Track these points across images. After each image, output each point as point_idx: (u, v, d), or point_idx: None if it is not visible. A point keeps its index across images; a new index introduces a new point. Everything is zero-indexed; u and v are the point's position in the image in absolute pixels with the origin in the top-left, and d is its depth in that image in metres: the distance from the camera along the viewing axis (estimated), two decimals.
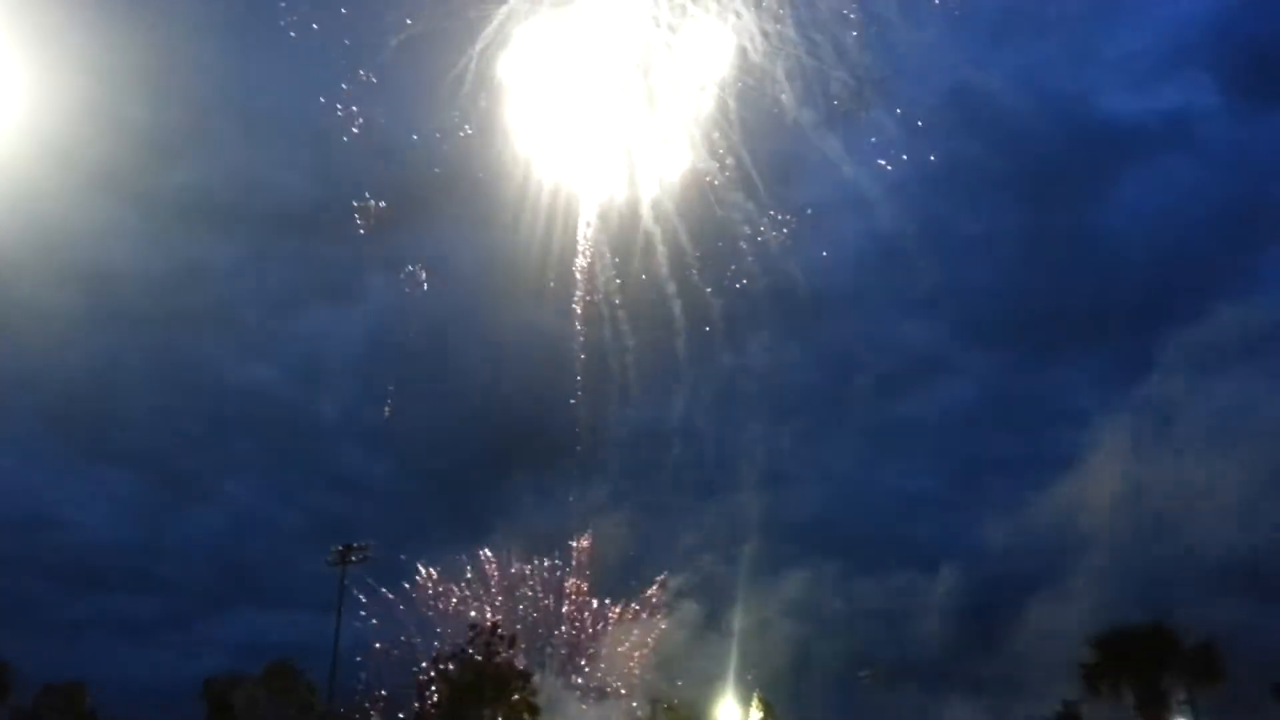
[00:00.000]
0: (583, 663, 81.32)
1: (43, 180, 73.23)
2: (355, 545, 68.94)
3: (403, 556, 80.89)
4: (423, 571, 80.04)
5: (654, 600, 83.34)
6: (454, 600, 79.79)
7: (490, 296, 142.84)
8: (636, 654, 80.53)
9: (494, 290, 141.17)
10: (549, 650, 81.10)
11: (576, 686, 79.24)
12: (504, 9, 52.24)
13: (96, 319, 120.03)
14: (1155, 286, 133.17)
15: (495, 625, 69.31)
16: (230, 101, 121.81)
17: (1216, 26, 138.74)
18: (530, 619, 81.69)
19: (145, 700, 78.64)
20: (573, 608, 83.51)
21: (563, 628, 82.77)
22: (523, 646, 71.17)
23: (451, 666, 66.00)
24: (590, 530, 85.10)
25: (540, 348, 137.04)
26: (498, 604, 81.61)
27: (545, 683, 74.69)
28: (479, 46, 53.34)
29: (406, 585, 79.88)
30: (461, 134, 56.36)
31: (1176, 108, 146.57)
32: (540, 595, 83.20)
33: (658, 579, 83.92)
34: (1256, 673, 63.50)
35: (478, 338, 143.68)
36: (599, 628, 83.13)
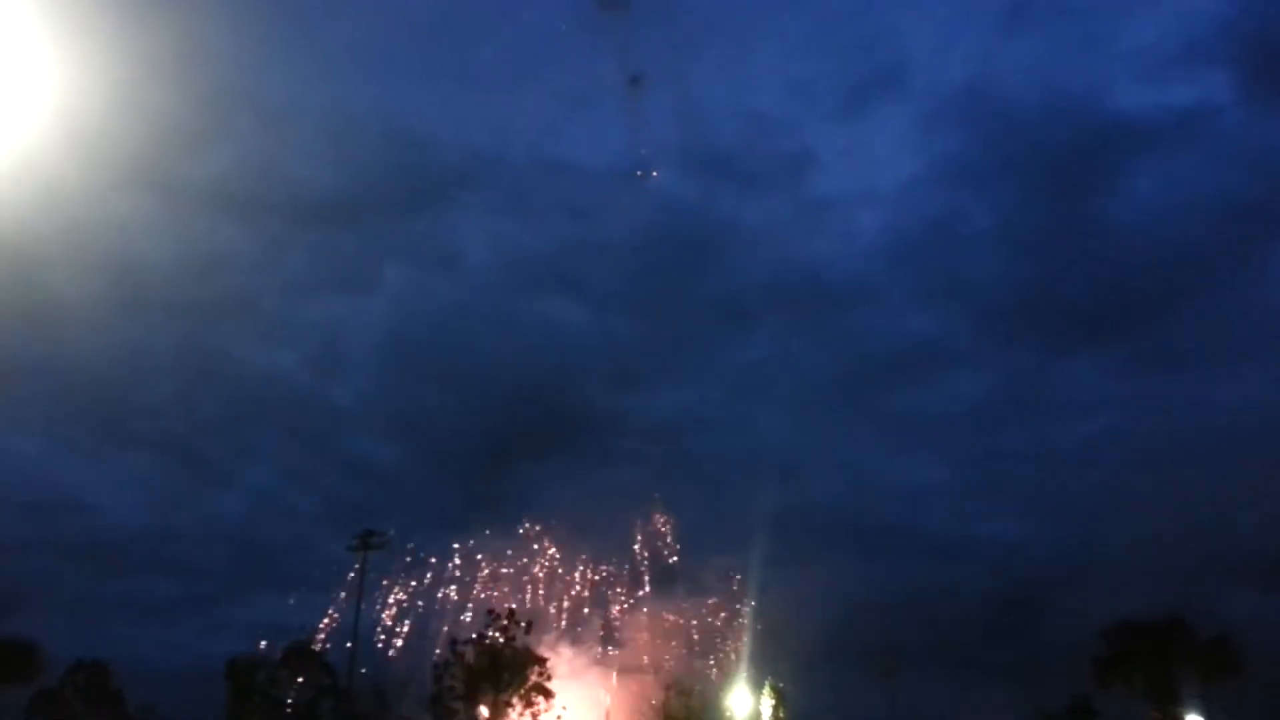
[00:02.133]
0: (609, 649, 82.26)
1: (69, 171, 74.12)
2: (375, 531, 70.02)
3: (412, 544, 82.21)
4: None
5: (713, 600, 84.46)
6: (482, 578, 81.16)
7: (507, 285, 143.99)
8: (659, 639, 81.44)
9: (511, 279, 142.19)
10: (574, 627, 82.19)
11: (603, 661, 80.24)
12: None
13: (120, 307, 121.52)
14: (1167, 281, 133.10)
15: (512, 610, 70.14)
16: (252, 93, 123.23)
17: (1230, 22, 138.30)
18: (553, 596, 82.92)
19: (167, 680, 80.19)
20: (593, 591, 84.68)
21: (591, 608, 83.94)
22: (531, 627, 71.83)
23: (469, 649, 66.79)
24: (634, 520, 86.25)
25: (556, 336, 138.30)
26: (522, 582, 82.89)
27: (567, 656, 75.88)
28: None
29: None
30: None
31: (1189, 103, 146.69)
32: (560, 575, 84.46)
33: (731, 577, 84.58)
34: (1272, 667, 63.45)
35: (494, 326, 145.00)
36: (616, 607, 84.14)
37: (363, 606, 69.32)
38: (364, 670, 70.95)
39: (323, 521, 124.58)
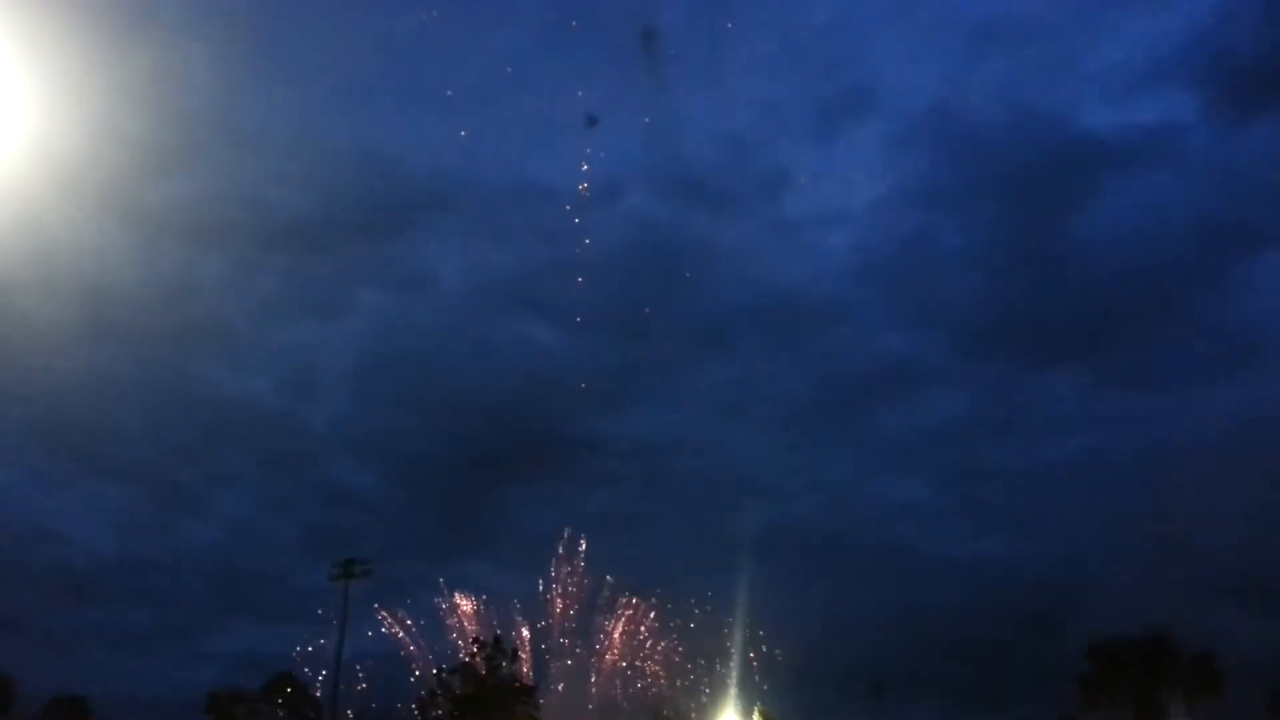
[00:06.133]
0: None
1: (40, 196, 72.80)
2: (358, 559, 68.97)
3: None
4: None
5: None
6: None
7: (481, 309, 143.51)
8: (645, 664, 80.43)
9: (485, 303, 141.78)
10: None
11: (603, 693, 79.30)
12: None
13: (90, 332, 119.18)
14: (1139, 298, 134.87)
15: (498, 638, 69.34)
16: (223, 117, 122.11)
17: (1195, 41, 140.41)
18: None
19: (144, 713, 78.55)
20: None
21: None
22: (525, 656, 70.89)
23: (454, 679, 65.99)
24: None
25: (531, 360, 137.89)
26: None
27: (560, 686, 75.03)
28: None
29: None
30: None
31: (1156, 122, 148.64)
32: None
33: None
34: (1254, 684, 64.08)
35: (468, 349, 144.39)
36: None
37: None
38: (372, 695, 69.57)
39: (301, 549, 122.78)
